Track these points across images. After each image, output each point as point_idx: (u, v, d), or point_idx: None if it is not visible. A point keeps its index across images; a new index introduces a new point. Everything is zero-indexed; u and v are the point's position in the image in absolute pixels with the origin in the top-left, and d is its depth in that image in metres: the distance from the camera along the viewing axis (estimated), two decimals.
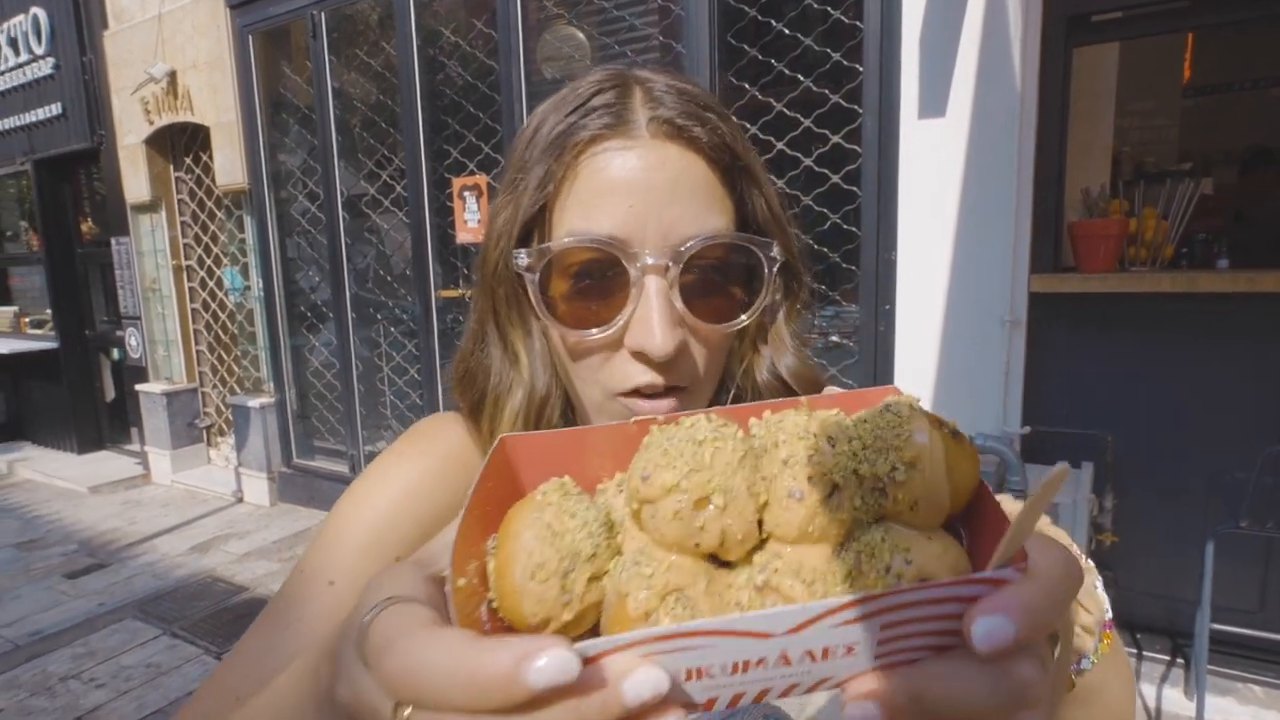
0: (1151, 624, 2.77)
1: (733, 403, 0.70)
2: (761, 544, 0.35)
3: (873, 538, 0.32)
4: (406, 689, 0.27)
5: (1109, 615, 0.51)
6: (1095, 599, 0.50)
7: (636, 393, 0.61)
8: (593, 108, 0.60)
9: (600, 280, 0.60)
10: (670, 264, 0.59)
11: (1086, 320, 2.70)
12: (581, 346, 0.62)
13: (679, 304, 0.60)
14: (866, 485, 0.33)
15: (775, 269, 0.63)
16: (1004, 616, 0.26)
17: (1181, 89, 4.59)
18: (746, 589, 0.33)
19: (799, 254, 0.69)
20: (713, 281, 0.61)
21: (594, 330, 0.60)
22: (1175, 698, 2.53)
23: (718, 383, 0.68)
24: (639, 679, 0.26)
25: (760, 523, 0.34)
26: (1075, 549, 0.53)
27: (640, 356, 0.60)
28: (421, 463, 0.66)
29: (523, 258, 0.61)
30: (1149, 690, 2.58)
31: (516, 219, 0.62)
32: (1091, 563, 0.53)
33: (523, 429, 0.64)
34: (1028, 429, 2.62)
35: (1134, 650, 2.72)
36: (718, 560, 0.35)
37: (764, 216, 0.65)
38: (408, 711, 0.29)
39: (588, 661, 0.27)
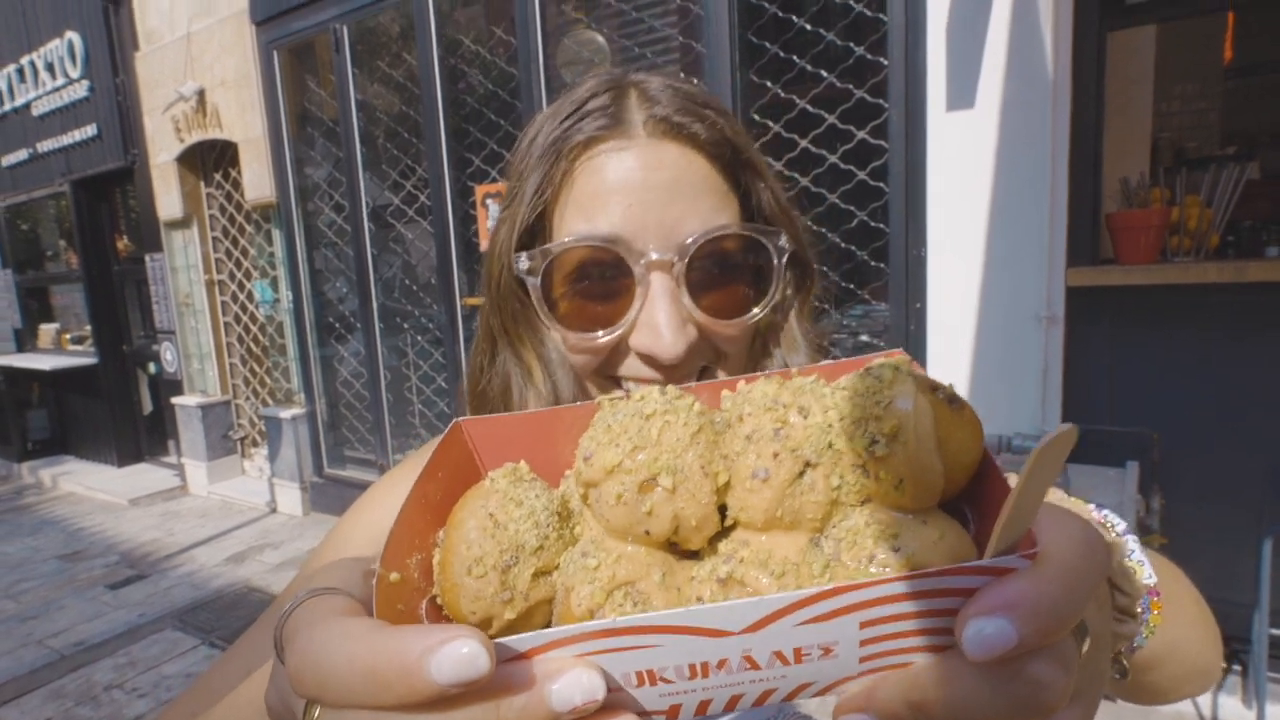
0: None
1: None
2: (728, 531, 0.31)
3: (855, 523, 0.28)
4: (309, 682, 0.24)
5: (1153, 581, 0.45)
6: (1129, 574, 0.44)
7: None
8: (588, 111, 0.59)
9: (603, 280, 0.58)
10: (675, 259, 0.57)
11: (1128, 314, 2.60)
12: (587, 349, 0.61)
13: (687, 301, 0.58)
14: (845, 462, 0.28)
15: (784, 260, 0.61)
16: (1002, 618, 0.22)
17: (1223, 71, 4.42)
18: (709, 582, 0.29)
19: (808, 245, 0.67)
20: (721, 276, 0.59)
21: (599, 332, 0.59)
22: (1233, 706, 2.43)
23: None
24: (569, 681, 0.23)
25: (725, 508, 0.30)
26: (1103, 518, 0.46)
27: (649, 360, 0.58)
28: None
29: (523, 261, 0.60)
30: (1204, 698, 2.47)
31: (515, 228, 0.61)
32: (1125, 528, 0.46)
33: None
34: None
35: None
36: (681, 551, 0.31)
37: (770, 209, 0.63)
38: (318, 712, 0.26)
39: (516, 659, 0.24)
